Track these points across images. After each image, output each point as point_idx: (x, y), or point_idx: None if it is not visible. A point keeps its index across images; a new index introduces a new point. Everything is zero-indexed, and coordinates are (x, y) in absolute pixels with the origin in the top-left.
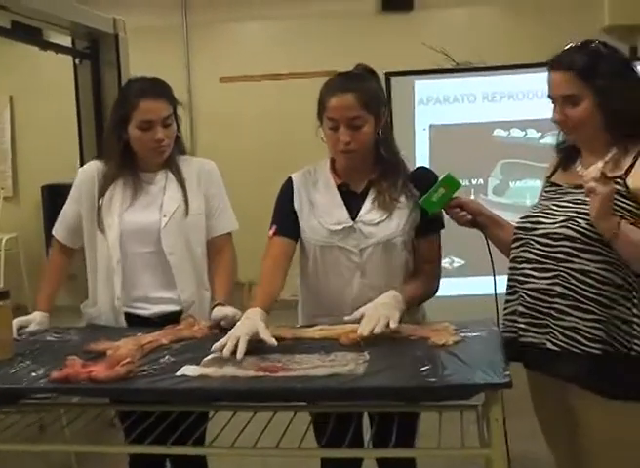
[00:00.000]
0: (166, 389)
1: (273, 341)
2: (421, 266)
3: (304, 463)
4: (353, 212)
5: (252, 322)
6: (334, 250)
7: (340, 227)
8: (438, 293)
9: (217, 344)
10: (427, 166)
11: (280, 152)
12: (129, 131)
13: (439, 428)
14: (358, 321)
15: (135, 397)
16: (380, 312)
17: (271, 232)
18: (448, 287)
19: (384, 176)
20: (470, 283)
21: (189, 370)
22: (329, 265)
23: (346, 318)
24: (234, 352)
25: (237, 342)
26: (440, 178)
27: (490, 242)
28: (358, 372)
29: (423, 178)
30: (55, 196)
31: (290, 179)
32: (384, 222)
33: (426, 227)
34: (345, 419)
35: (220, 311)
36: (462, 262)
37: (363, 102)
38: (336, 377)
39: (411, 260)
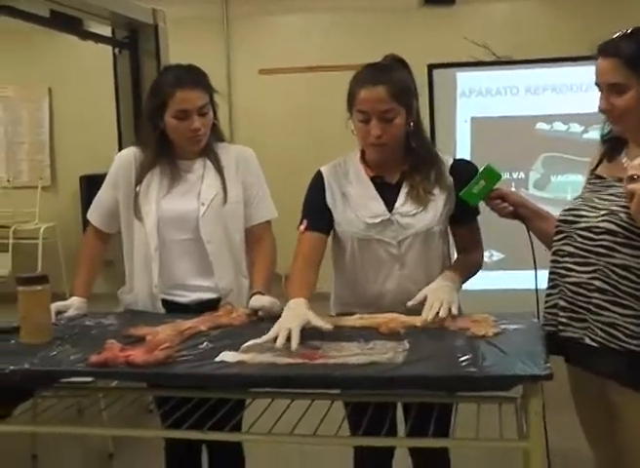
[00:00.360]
0: (204, 374)
1: (329, 326)
2: (465, 250)
3: (339, 451)
4: (389, 203)
5: (300, 311)
6: (372, 242)
7: (377, 220)
8: (477, 287)
9: (266, 337)
10: (468, 158)
11: (317, 145)
12: (165, 119)
13: (477, 419)
14: (422, 303)
15: (173, 382)
16: (442, 296)
17: (302, 227)
18: (487, 280)
19: (416, 169)
20: (510, 276)
21: (228, 356)
22: (367, 258)
23: (409, 303)
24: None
25: (289, 333)
26: (480, 170)
27: (532, 234)
28: (397, 361)
29: (463, 171)
30: (93, 186)
31: (320, 173)
32: (421, 214)
33: (463, 215)
34: (381, 409)
35: (258, 300)
36: (502, 256)
37: (394, 95)
38: (374, 365)
39: (447, 251)
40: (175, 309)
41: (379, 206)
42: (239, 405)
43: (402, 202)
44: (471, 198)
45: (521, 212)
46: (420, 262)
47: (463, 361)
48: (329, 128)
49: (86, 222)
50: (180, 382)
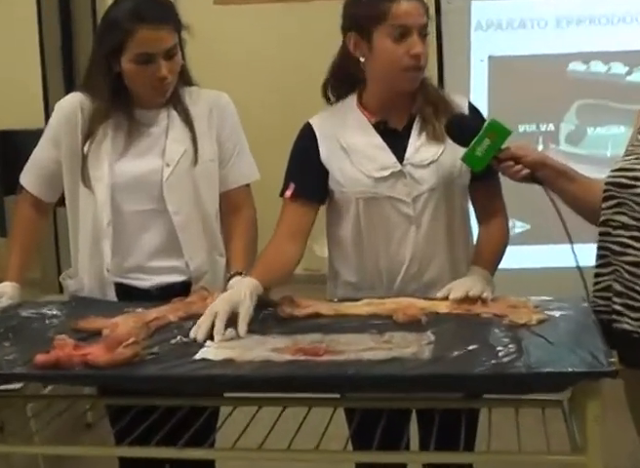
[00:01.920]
0: (185, 376)
1: (243, 332)
2: (486, 220)
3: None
4: (398, 153)
5: (237, 294)
6: (381, 202)
7: (387, 173)
8: (501, 266)
9: (195, 328)
10: (485, 107)
11: (292, 92)
12: (122, 63)
13: (517, 427)
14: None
15: (144, 386)
16: (471, 283)
17: (288, 193)
18: (508, 257)
19: (427, 111)
20: (537, 252)
21: (210, 352)
22: (375, 223)
23: (439, 294)
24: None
25: (212, 321)
26: (483, 126)
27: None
28: (424, 356)
29: (462, 126)
30: (11, 144)
31: (309, 125)
32: (437, 163)
33: (481, 171)
34: (395, 417)
35: (234, 282)
36: (527, 226)
37: (426, 10)
38: (398, 362)
39: (468, 215)
40: (132, 296)
41: (387, 156)
42: (214, 415)
43: (413, 150)
44: (474, 162)
45: (541, 174)
46: (439, 223)
47: (505, 356)
48: (302, 68)
49: (7, 187)
50: (152, 386)
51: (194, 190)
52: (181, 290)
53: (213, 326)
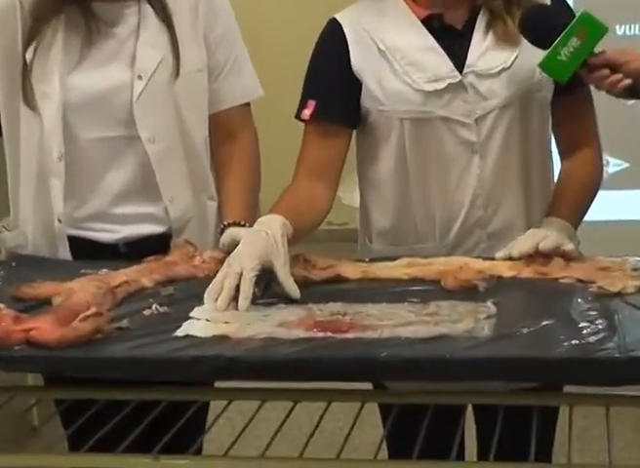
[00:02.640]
0: (162, 359)
1: (294, 292)
2: (570, 152)
3: None
4: (457, 59)
5: (265, 243)
6: (434, 124)
7: (441, 85)
8: (588, 217)
9: (209, 290)
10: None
11: None
12: None
13: (607, 431)
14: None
15: (108, 372)
16: (543, 235)
17: (307, 113)
18: (599, 205)
19: (495, 3)
20: (636, 199)
21: (196, 327)
22: (426, 152)
23: (498, 254)
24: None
25: (238, 283)
26: (572, 22)
27: None
28: (481, 334)
29: (542, 22)
30: None
31: (335, 22)
32: (509, 71)
33: (566, 82)
34: (446, 416)
35: (234, 235)
36: (624, 165)
37: None
38: (447, 341)
39: (549, 137)
40: (91, 253)
41: (442, 62)
42: (202, 413)
43: (477, 55)
44: (557, 69)
45: None
46: (511, 154)
47: (592, 334)
48: None
49: None
50: (119, 372)
51: (175, 111)
52: (158, 245)
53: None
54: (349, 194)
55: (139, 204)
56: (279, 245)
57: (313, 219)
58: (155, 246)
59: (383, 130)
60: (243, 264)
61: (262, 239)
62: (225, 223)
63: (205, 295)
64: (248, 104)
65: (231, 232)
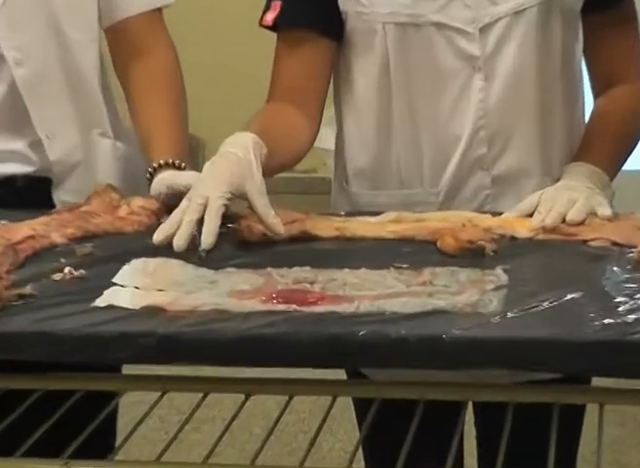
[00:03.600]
0: (76, 335)
1: (277, 227)
2: (605, 85)
3: None
4: None
5: (234, 166)
6: (425, 31)
7: None
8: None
9: (161, 226)
10: None
11: None
12: None
13: None
14: (529, 214)
15: (6, 352)
16: (569, 196)
17: (270, 17)
18: None
19: None
20: None
21: (122, 296)
22: (413, 66)
23: (508, 213)
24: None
25: (201, 216)
26: None
27: None
28: (488, 309)
29: None
30: None
31: None
32: None
33: None
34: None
35: (170, 181)
36: None
37: None
38: (444, 318)
39: (578, 60)
40: None
41: None
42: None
43: None
44: None
45: None
46: (525, 75)
47: (629, 312)
48: None
49: None
50: (20, 352)
51: (52, 25)
52: (30, 191)
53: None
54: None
55: (7, 139)
56: (253, 167)
57: (292, 148)
58: (25, 192)
59: (363, 40)
60: (208, 193)
61: (231, 161)
62: (155, 165)
63: (155, 234)
64: (158, 12)
65: (164, 178)
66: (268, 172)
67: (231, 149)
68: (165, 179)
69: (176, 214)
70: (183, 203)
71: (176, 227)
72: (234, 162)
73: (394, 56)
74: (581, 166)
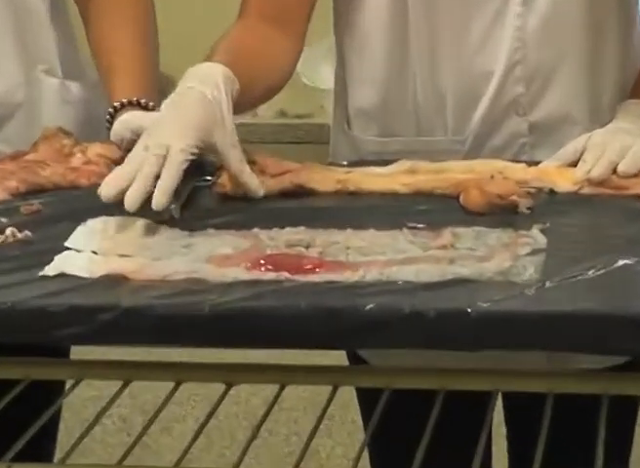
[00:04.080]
0: (26, 309)
1: (255, 187)
2: None
3: None
4: None
5: (200, 110)
6: None
7: None
8: None
9: (110, 176)
10: None
11: None
12: None
13: None
14: (573, 163)
15: None
16: (624, 140)
17: None
18: None
19: None
20: None
21: (78, 262)
22: None
23: (547, 162)
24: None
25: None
26: None
27: None
28: (525, 278)
29: None
30: None
31: None
32: None
33: None
34: (456, 409)
35: (134, 123)
36: None
37: None
38: (467, 288)
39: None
40: None
41: None
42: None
43: None
44: None
45: None
46: (571, 9)
47: None
48: None
49: None
50: None
51: None
52: None
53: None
54: (312, 70)
55: None
56: (224, 110)
57: (269, 79)
58: None
59: None
60: (169, 141)
61: (197, 102)
62: (117, 104)
63: (102, 185)
64: None
65: (127, 120)
66: (237, 109)
67: (197, 86)
68: (128, 122)
69: (129, 163)
70: (138, 150)
71: (129, 181)
72: (201, 104)
73: None
74: (638, 104)
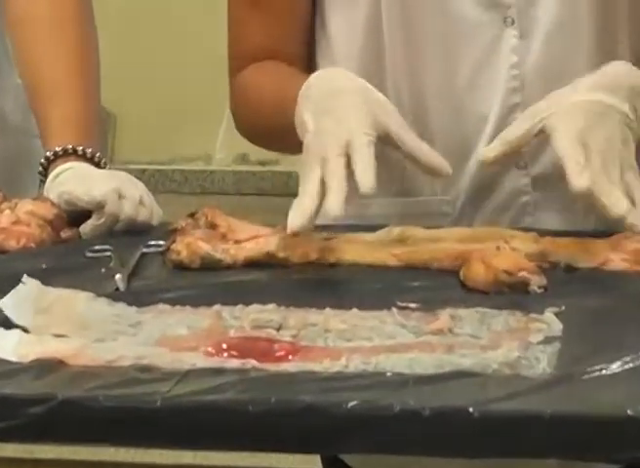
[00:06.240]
0: None
1: (440, 163)
2: None
3: None
4: None
5: (363, 95)
6: None
7: None
8: None
9: (298, 202)
10: None
11: None
12: None
13: None
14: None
15: None
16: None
17: None
18: None
19: None
20: None
21: (6, 342)
22: (419, 20)
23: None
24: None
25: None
26: None
27: None
28: (537, 372)
29: None
30: None
31: None
32: None
33: None
34: None
35: (72, 192)
36: None
37: None
38: (471, 383)
39: None
40: None
41: None
42: None
43: None
44: None
45: None
46: (576, 32)
47: None
48: None
49: None
50: None
51: None
52: None
53: None
54: None
55: None
56: (380, 98)
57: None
58: None
59: None
60: (350, 126)
61: (356, 95)
62: (49, 155)
63: (291, 219)
64: None
65: (62, 184)
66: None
67: (348, 83)
68: (63, 188)
69: (308, 184)
70: (309, 158)
71: (318, 200)
72: (360, 96)
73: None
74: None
